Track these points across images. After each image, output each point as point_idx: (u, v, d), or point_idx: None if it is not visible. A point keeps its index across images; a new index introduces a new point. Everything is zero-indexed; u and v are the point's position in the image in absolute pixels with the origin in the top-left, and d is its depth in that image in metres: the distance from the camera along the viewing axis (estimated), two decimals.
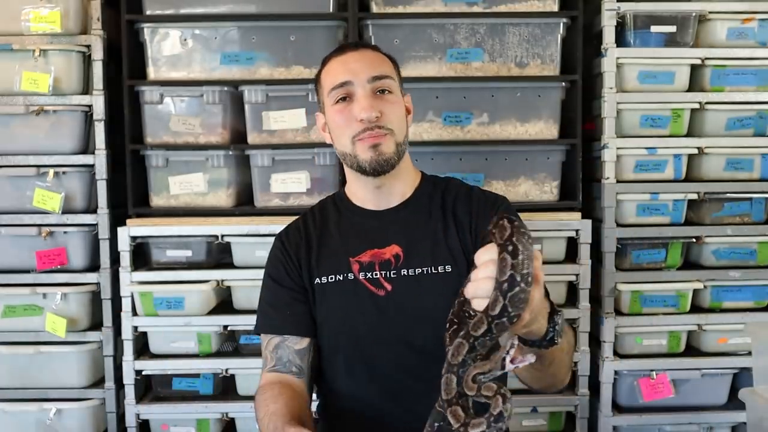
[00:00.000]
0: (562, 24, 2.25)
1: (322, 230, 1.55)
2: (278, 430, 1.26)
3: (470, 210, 1.49)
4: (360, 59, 1.48)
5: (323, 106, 1.53)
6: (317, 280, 1.50)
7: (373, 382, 1.46)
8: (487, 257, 0.98)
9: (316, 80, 1.57)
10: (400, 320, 1.43)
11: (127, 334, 2.21)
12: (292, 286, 1.51)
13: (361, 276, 1.47)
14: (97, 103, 2.22)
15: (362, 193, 1.54)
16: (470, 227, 1.47)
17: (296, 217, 1.65)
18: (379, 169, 1.44)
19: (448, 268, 1.44)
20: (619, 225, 2.26)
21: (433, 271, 1.44)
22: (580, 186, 2.28)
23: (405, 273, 1.45)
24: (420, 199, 1.53)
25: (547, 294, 1.11)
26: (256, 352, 2.19)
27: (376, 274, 1.46)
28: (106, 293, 2.24)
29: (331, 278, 1.48)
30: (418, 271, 1.45)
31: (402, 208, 1.53)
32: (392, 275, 1.45)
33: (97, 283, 2.24)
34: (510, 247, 0.94)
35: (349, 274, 1.47)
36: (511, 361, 0.98)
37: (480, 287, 0.98)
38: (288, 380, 1.45)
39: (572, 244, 2.26)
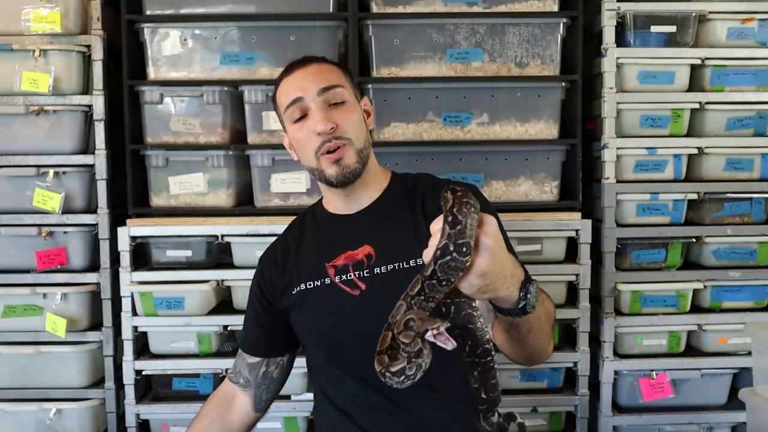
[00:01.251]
0: (562, 24, 2.25)
1: (300, 241, 1.61)
2: None
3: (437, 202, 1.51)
4: (307, 74, 1.52)
5: (284, 125, 1.57)
6: (297, 288, 1.54)
7: (357, 379, 1.49)
8: (436, 227, 1.04)
9: (273, 102, 1.60)
10: (376, 317, 1.44)
11: (127, 334, 2.21)
12: (258, 309, 1.63)
13: (336, 279, 1.50)
14: (97, 103, 2.22)
15: (334, 200, 1.59)
16: None
17: (295, 217, 1.70)
18: (345, 181, 1.50)
19: (420, 261, 1.45)
20: (619, 225, 2.26)
21: (405, 266, 1.46)
22: (580, 186, 2.28)
23: (378, 271, 1.47)
24: (389, 197, 1.57)
25: (524, 266, 1.14)
26: None
27: (350, 276, 1.49)
28: (106, 293, 2.24)
29: (310, 284, 1.53)
30: (390, 267, 1.47)
31: (372, 208, 1.56)
32: (365, 274, 1.48)
33: (97, 283, 2.24)
34: (450, 218, 1.01)
35: (325, 279, 1.51)
36: (434, 336, 1.04)
37: (427, 254, 1.05)
38: (231, 394, 1.66)
39: (572, 244, 2.26)
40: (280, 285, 1.58)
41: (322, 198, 1.65)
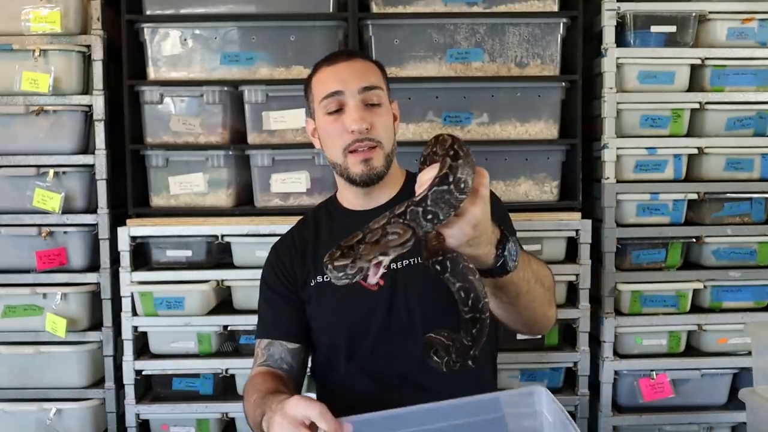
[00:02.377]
0: (562, 24, 2.25)
1: (316, 234, 1.60)
2: (272, 403, 1.23)
3: None
4: (351, 69, 1.51)
5: (313, 112, 1.57)
6: (313, 281, 1.54)
7: (370, 375, 1.49)
8: (431, 174, 1.00)
9: (306, 86, 1.60)
10: (392, 312, 1.47)
11: (127, 334, 2.21)
12: (285, 292, 1.57)
13: None
14: (97, 103, 2.22)
15: (351, 197, 1.59)
16: None
17: (296, 217, 1.70)
18: (369, 182, 1.50)
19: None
20: (619, 225, 2.26)
21: (420, 261, 1.46)
22: (580, 186, 2.28)
23: (393, 266, 1.47)
24: (406, 196, 1.55)
25: (499, 226, 1.13)
26: None
27: None
28: (106, 293, 2.24)
29: (326, 278, 1.51)
30: (406, 263, 1.47)
31: (389, 205, 1.55)
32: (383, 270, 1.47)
33: (97, 283, 2.24)
34: (451, 152, 0.99)
35: None
36: (374, 265, 0.99)
37: (421, 183, 1.02)
38: (278, 373, 1.51)
39: (572, 244, 2.26)
40: (300, 273, 1.56)
41: (334, 193, 1.65)
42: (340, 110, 1.49)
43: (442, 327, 1.16)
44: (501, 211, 1.56)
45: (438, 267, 1.04)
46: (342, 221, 1.59)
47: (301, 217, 1.69)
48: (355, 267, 0.98)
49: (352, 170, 1.49)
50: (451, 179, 0.97)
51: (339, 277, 1.00)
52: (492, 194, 1.56)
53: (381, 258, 0.99)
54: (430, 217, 0.98)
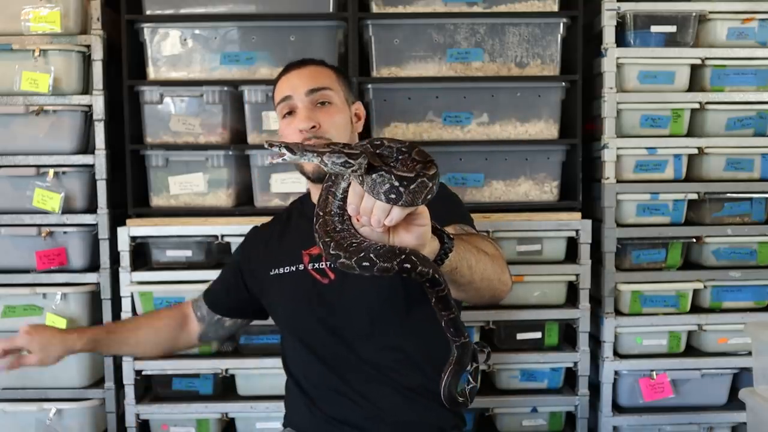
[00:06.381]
0: (562, 24, 2.25)
1: (285, 227, 1.71)
2: None
3: None
4: (300, 75, 1.63)
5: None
6: (274, 271, 1.64)
7: (322, 364, 1.58)
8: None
9: (273, 100, 1.71)
10: (341, 306, 1.55)
11: None
12: (232, 271, 1.78)
13: (310, 267, 1.59)
14: (97, 103, 2.22)
15: (316, 192, 1.64)
16: None
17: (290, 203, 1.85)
18: (321, 177, 1.56)
19: None
20: (619, 225, 2.26)
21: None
22: (580, 186, 2.28)
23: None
24: None
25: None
26: (256, 352, 2.22)
27: (322, 265, 1.58)
28: (106, 293, 2.24)
29: (286, 269, 1.62)
30: None
31: None
32: None
33: (97, 283, 2.24)
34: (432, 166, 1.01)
35: (300, 266, 1.61)
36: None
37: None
38: (188, 317, 1.83)
39: (572, 244, 2.26)
40: (260, 264, 1.67)
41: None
42: (293, 113, 1.61)
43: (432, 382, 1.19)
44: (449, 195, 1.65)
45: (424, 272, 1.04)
46: (308, 215, 1.63)
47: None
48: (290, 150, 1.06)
49: (306, 167, 1.59)
50: (431, 184, 0.97)
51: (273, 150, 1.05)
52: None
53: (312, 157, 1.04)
54: (393, 195, 0.96)
